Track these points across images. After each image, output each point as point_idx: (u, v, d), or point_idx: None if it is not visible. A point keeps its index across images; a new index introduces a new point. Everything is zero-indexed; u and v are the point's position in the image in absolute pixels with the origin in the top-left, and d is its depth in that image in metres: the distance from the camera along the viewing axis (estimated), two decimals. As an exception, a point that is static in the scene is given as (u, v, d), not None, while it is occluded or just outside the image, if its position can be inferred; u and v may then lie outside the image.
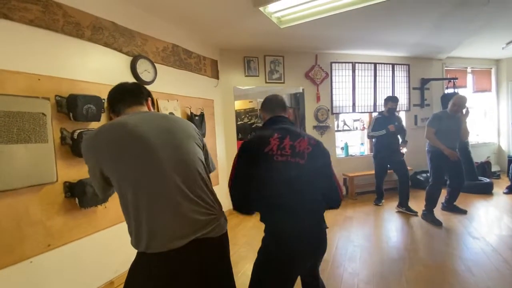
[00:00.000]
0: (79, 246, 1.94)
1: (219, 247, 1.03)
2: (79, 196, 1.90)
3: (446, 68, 5.31)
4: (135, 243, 0.94)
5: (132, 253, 0.98)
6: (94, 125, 2.04)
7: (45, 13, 1.75)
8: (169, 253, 0.89)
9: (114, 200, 2.20)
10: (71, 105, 1.87)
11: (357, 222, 3.42)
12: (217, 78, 3.70)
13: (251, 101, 5.70)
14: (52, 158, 1.74)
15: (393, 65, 4.73)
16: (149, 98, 1.15)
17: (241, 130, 5.38)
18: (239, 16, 2.72)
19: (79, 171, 1.94)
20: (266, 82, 4.00)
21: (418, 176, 4.79)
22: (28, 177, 1.61)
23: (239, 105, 5.76)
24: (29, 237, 1.65)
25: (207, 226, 0.97)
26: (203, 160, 1.08)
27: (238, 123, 5.61)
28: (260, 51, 3.92)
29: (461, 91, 5.06)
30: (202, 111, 3.27)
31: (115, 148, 0.93)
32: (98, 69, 2.13)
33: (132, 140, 0.94)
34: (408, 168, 4.61)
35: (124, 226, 1.97)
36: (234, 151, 3.94)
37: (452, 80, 5.08)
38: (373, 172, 4.48)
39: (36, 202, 1.69)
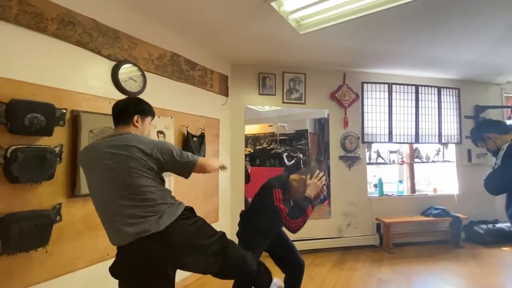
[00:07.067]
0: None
1: (160, 241, 1.16)
2: (2, 236, 1.38)
3: (505, 94, 4.38)
4: None
5: None
6: (44, 141, 1.57)
7: (-10, -4, 1.38)
8: (120, 248, 1.20)
9: (60, 244, 1.62)
10: (11, 113, 1.43)
11: (396, 290, 2.53)
12: (226, 95, 3.21)
13: (271, 125, 5.26)
14: (-37, 182, 1.26)
15: (439, 88, 3.95)
16: (136, 116, 1.30)
17: (260, 156, 5.13)
18: (247, 15, 2.20)
19: (8, 202, 1.44)
20: (283, 102, 3.43)
21: (476, 228, 3.74)
22: None
23: (258, 129, 5.36)
24: None
25: (139, 231, 1.14)
26: (141, 171, 1.18)
27: (257, 147, 5.29)
28: (278, 67, 3.41)
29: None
30: (203, 131, 2.75)
31: (85, 165, 1.28)
32: (61, 72, 1.70)
33: (93, 164, 1.22)
34: (463, 216, 3.67)
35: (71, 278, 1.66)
36: (240, 182, 3.31)
37: (515, 109, 4.14)
38: (416, 218, 3.57)
39: None
